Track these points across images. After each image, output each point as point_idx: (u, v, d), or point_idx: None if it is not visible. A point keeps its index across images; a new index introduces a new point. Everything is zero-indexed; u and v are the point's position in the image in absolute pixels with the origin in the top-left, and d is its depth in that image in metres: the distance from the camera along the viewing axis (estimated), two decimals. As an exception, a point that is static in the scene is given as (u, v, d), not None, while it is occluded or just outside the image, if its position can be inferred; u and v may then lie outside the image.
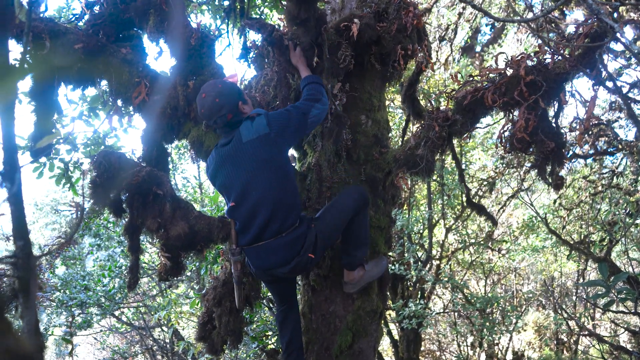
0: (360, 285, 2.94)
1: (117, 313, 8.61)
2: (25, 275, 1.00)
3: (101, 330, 9.42)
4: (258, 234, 2.57)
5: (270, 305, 4.89)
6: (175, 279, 3.28)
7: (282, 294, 2.97)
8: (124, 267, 7.29)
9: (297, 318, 3.03)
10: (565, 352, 8.71)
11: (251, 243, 2.62)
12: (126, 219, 3.06)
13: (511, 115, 2.73)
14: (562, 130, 2.72)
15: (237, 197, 2.58)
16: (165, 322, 7.85)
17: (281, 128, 2.52)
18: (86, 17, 3.30)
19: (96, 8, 3.26)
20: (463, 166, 7.60)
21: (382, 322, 3.62)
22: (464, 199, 8.14)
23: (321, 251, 2.68)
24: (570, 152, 6.82)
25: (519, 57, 2.60)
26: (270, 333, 4.62)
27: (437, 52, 7.85)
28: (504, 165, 8.01)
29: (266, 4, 5.84)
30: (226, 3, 5.34)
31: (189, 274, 7.39)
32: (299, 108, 2.60)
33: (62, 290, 7.15)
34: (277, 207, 2.53)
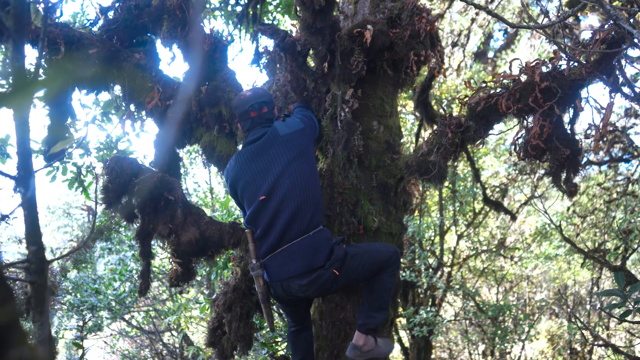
0: (367, 357, 2.70)
1: (127, 317, 8.64)
2: (38, 281, 1.00)
3: (111, 334, 9.45)
4: (283, 232, 2.48)
5: (280, 311, 4.87)
6: (185, 284, 3.27)
7: (296, 316, 2.87)
8: (134, 271, 7.32)
9: (311, 337, 2.95)
10: (578, 361, 8.58)
11: (274, 248, 2.52)
12: (138, 224, 3.07)
13: (525, 121, 2.69)
14: (577, 137, 2.67)
15: (269, 188, 2.53)
16: (175, 327, 7.87)
17: (308, 124, 2.73)
18: (100, 22, 3.33)
19: (110, 14, 3.29)
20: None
21: (393, 329, 3.59)
22: (477, 203, 8.08)
23: (344, 279, 2.52)
24: (585, 159, 6.75)
25: (534, 63, 2.57)
26: (280, 339, 4.60)
27: (449, 57, 7.83)
28: (517, 171, 7.94)
29: (279, 9, 5.87)
30: (239, 9, 5.37)
31: (199, 279, 7.40)
32: (303, 110, 2.95)
33: (73, 294, 7.20)
34: (305, 200, 2.51)
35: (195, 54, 3.05)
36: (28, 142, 0.90)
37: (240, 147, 2.78)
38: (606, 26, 2.31)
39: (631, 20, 2.20)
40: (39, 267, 0.93)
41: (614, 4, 2.42)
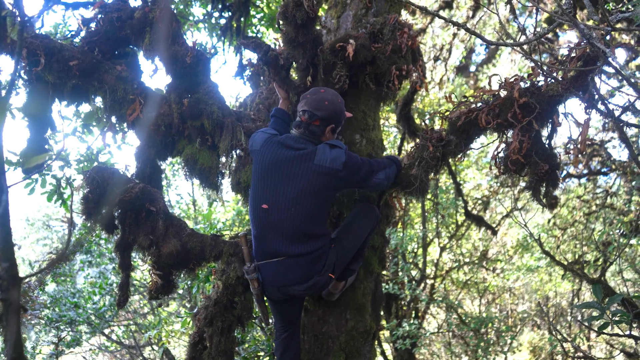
0: (338, 295, 3.01)
1: (107, 331, 8.47)
2: (10, 298, 0.98)
3: (90, 349, 9.26)
4: (284, 246, 2.50)
5: (263, 325, 4.83)
6: (166, 297, 3.23)
7: (287, 317, 2.85)
8: (115, 285, 7.19)
9: (299, 348, 2.92)
10: (560, 373, 8.63)
11: (271, 256, 2.54)
12: (118, 236, 3.03)
13: (505, 136, 2.73)
14: (555, 152, 2.72)
15: (276, 202, 2.48)
16: (156, 341, 7.73)
17: (351, 173, 2.53)
18: (82, 34, 3.30)
19: (92, 25, 3.27)
20: (457, 185, 7.60)
21: (376, 342, 3.58)
22: (459, 216, 8.15)
23: (338, 272, 2.70)
24: (564, 172, 6.87)
25: (513, 79, 2.61)
26: (262, 354, 4.55)
27: (431, 71, 7.93)
28: (498, 184, 8.04)
29: (262, 22, 5.90)
30: (223, 21, 5.39)
31: (180, 292, 7.31)
32: (372, 164, 2.64)
33: (51, 308, 7.04)
34: (306, 233, 2.50)
35: (176, 66, 3.04)
36: (1, 156, 0.89)
37: (278, 135, 2.61)
38: (582, 43, 2.37)
39: (607, 38, 2.25)
40: (11, 284, 0.91)
41: (589, 22, 2.48)
